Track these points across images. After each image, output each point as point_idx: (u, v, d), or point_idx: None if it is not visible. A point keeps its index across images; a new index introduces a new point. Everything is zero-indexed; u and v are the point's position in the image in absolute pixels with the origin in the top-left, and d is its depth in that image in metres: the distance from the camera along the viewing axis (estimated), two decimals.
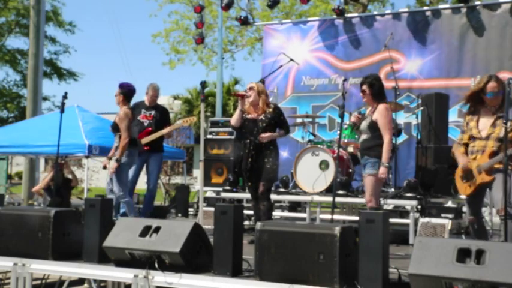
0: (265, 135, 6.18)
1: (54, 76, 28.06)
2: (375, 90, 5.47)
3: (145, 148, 7.46)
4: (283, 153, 10.38)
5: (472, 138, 5.04)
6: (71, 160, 12.54)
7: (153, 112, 7.75)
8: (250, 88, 6.37)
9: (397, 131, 8.02)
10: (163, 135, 7.70)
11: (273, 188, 8.97)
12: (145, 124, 7.60)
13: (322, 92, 10.42)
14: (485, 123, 4.98)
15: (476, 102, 5.07)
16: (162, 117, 7.88)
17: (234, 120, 6.34)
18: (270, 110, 6.33)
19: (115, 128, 7.05)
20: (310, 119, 9.03)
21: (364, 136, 5.47)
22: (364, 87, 5.52)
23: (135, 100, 7.56)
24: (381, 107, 5.45)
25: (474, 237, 5.14)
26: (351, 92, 9.63)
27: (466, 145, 5.11)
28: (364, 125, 5.48)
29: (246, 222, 7.96)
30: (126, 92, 7.22)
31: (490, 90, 4.92)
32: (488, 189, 5.08)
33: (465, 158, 5.04)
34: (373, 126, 5.40)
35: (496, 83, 4.93)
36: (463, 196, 6.97)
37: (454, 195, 4.98)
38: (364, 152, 5.42)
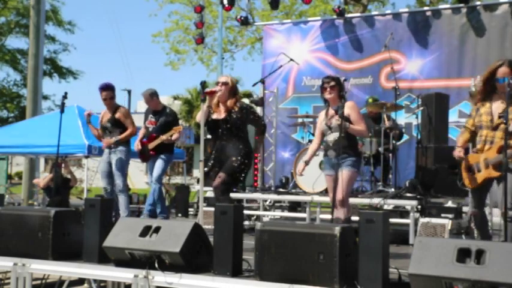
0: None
1: (54, 75, 28.08)
2: (340, 90, 5.52)
3: (151, 153, 7.61)
4: (284, 154, 10.41)
5: (480, 126, 4.89)
6: (70, 160, 12.54)
7: (157, 117, 7.78)
8: (224, 83, 5.81)
9: (398, 134, 8.03)
10: (170, 140, 7.74)
11: (272, 188, 9.03)
12: (150, 130, 7.71)
13: None
14: (495, 111, 4.82)
15: (489, 88, 4.90)
16: (165, 121, 7.86)
17: (198, 116, 5.85)
18: (236, 109, 5.80)
19: (116, 124, 7.28)
20: (310, 119, 9.03)
21: (336, 134, 5.39)
22: (334, 83, 5.52)
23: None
24: (350, 103, 5.52)
25: (475, 228, 5.04)
26: (351, 92, 9.63)
27: (473, 131, 4.99)
28: (335, 123, 5.42)
29: (246, 222, 7.96)
30: (114, 90, 7.55)
31: (501, 76, 4.76)
32: (496, 183, 4.88)
33: (459, 149, 4.97)
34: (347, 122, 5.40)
35: (508, 68, 4.77)
36: (462, 197, 7.00)
37: (459, 183, 4.89)
38: (343, 150, 5.32)
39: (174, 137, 7.71)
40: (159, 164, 7.64)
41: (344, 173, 5.34)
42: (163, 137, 7.53)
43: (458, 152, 4.99)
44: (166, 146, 7.68)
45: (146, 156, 7.65)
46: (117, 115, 7.34)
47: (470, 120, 5.04)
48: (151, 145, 7.57)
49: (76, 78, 28.42)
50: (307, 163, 5.75)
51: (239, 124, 5.79)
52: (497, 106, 4.82)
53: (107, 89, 7.38)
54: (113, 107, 7.42)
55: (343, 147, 5.33)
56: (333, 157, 5.49)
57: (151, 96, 7.84)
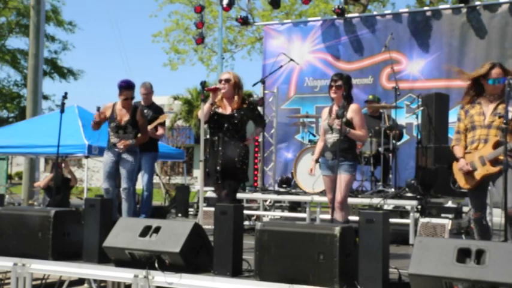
0: (249, 139, 5.83)
1: (54, 75, 28.04)
2: (348, 89, 5.52)
3: None
4: (287, 154, 10.40)
5: (472, 127, 4.86)
6: (71, 160, 12.55)
7: (146, 111, 7.74)
8: (226, 80, 5.78)
9: (399, 134, 8.02)
10: (155, 135, 7.69)
11: (271, 188, 9.04)
12: None
13: (325, 93, 10.36)
14: (486, 111, 4.82)
15: (475, 90, 4.92)
16: (155, 116, 7.88)
17: (201, 114, 5.72)
18: (245, 105, 5.81)
19: (135, 125, 6.98)
20: (311, 120, 9.02)
21: (336, 136, 5.39)
22: (341, 82, 5.50)
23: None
24: (355, 106, 5.51)
25: (476, 235, 4.97)
26: (352, 92, 9.60)
27: (465, 135, 4.95)
28: (336, 125, 5.40)
29: (246, 222, 7.96)
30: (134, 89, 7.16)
31: (495, 77, 4.76)
32: (491, 183, 4.82)
33: (463, 161, 4.88)
34: (348, 126, 5.39)
35: (500, 69, 4.79)
36: (462, 197, 6.99)
37: (453, 187, 4.87)
38: (340, 154, 5.26)
39: (159, 133, 7.68)
40: (148, 167, 7.54)
41: (341, 177, 5.34)
42: (151, 126, 7.46)
43: (466, 166, 4.84)
44: (152, 142, 7.61)
45: None
46: (138, 117, 6.98)
47: (461, 124, 4.99)
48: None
49: (76, 78, 28.39)
50: (317, 161, 5.75)
51: (245, 120, 5.84)
52: (488, 106, 4.83)
53: (129, 89, 6.94)
54: (131, 107, 7.03)
55: (341, 151, 5.29)
56: (329, 159, 5.51)
57: (152, 88, 7.83)
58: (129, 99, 6.98)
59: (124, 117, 6.97)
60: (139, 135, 7.06)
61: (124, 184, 6.95)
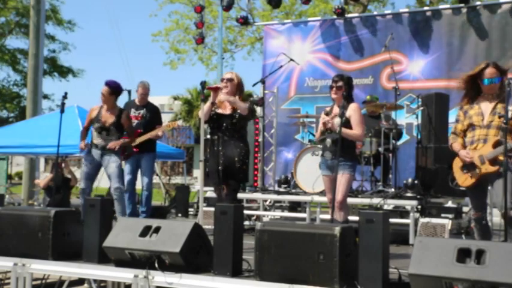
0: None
1: (54, 74, 28.02)
2: (348, 90, 5.51)
3: (135, 150, 7.40)
4: (288, 155, 10.41)
5: (471, 127, 4.86)
6: (71, 160, 12.54)
7: (142, 111, 7.70)
8: (229, 80, 5.77)
9: (397, 133, 8.03)
10: (157, 135, 7.70)
11: (271, 188, 9.04)
12: (134, 125, 7.50)
13: (325, 94, 10.38)
14: (484, 111, 4.82)
15: (473, 91, 4.93)
16: (152, 116, 7.84)
17: (202, 113, 5.74)
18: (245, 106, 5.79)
19: (119, 128, 7.00)
20: (311, 120, 9.02)
21: (334, 136, 5.39)
22: (341, 83, 5.50)
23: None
24: (354, 105, 5.52)
25: (477, 235, 4.97)
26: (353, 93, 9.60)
27: (462, 136, 4.97)
28: (337, 123, 5.40)
29: (246, 222, 7.96)
30: (117, 91, 7.12)
31: (489, 76, 4.79)
32: (490, 184, 4.83)
33: (464, 151, 4.88)
34: (347, 125, 5.39)
35: (494, 69, 4.81)
36: (462, 197, 6.99)
37: (451, 184, 4.87)
38: (340, 154, 5.24)
39: (160, 134, 7.70)
40: (148, 168, 7.53)
41: (340, 177, 5.34)
42: (154, 133, 7.44)
43: (466, 154, 4.85)
44: (151, 142, 7.60)
45: (128, 153, 7.24)
46: (123, 120, 7.02)
47: (459, 125, 5.00)
48: (138, 140, 7.39)
49: (76, 76, 28.34)
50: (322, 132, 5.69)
51: (243, 123, 5.83)
52: (486, 106, 4.84)
53: (106, 85, 6.94)
54: (117, 110, 7.06)
55: (340, 151, 5.28)
56: (329, 159, 5.51)
57: (149, 88, 7.82)
58: (108, 95, 6.93)
59: (109, 119, 7.03)
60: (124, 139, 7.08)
61: (114, 184, 6.95)
